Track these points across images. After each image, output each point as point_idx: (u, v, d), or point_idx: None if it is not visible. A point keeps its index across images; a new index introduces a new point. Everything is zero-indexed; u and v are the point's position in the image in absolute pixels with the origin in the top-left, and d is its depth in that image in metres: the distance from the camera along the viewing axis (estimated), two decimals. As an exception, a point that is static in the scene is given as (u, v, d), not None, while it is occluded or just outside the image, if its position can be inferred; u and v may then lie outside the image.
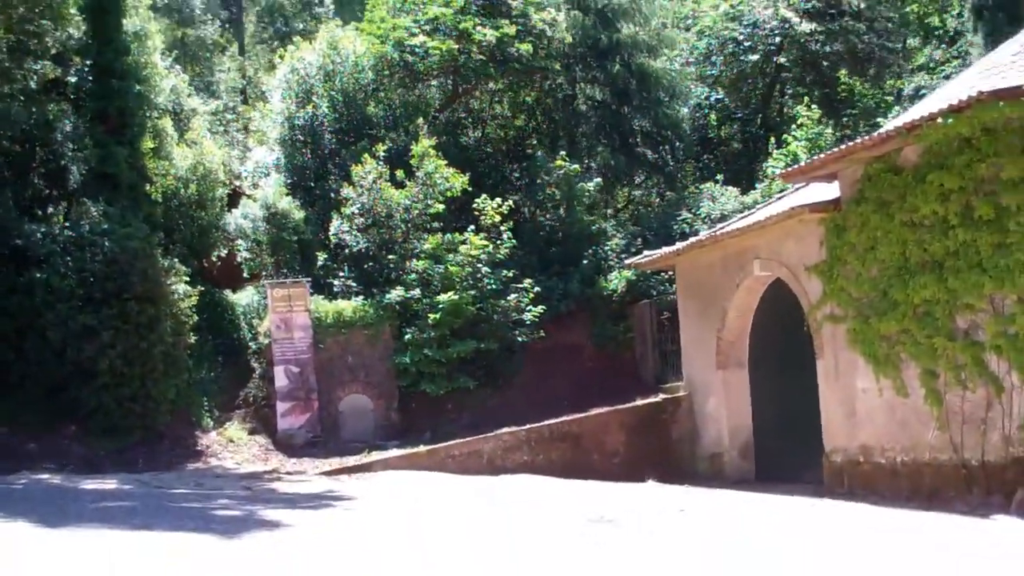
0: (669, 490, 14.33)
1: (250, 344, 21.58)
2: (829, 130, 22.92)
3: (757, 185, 23.29)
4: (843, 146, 13.55)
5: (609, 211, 26.68)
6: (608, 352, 21.50)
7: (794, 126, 23.55)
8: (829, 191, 14.66)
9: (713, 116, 28.02)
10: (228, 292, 22.91)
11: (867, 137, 13.18)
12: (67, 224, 18.26)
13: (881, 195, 12.95)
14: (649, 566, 8.00)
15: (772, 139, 24.79)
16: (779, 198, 17.93)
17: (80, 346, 17.13)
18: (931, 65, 27.80)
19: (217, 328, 21.53)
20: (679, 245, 18.13)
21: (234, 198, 23.77)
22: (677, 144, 26.26)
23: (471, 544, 8.94)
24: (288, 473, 16.58)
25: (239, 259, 22.74)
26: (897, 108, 24.29)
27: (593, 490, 13.74)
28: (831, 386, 14.14)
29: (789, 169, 15.17)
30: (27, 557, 7.71)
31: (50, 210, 20.24)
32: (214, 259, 23.25)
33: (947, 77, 26.30)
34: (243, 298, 22.79)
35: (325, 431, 19.89)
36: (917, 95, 25.94)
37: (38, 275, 17.33)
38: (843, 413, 13.87)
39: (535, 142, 26.49)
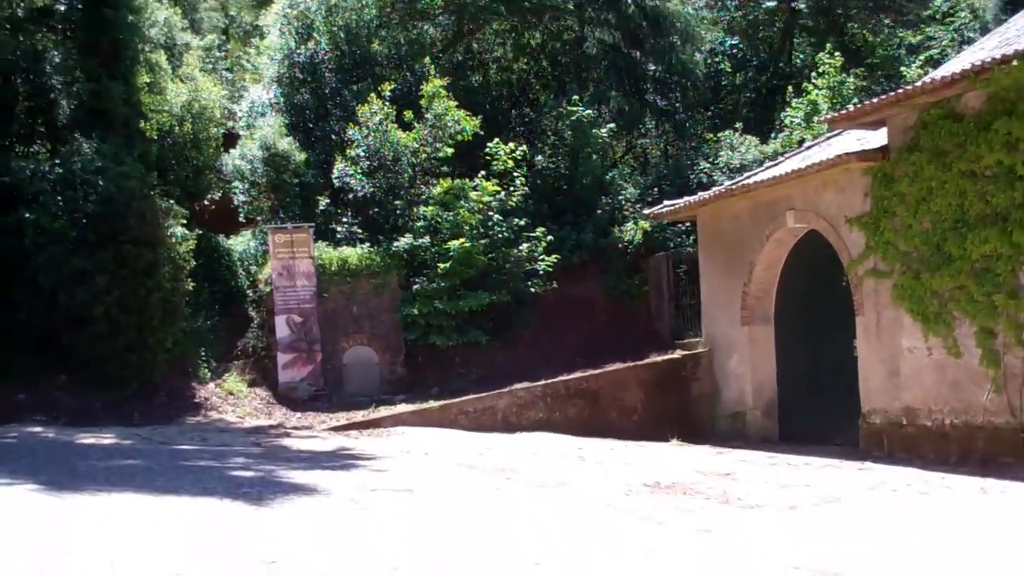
0: (701, 450, 13.70)
1: (248, 292, 20.68)
2: (851, 79, 22.05)
3: (774, 135, 22.47)
4: (899, 90, 12.78)
5: (612, 160, 25.77)
6: (622, 306, 20.73)
7: (814, 74, 22.69)
8: (870, 139, 13.92)
9: (727, 63, 27.09)
10: (222, 237, 21.90)
11: (927, 80, 12.43)
12: (57, 161, 17.09)
13: (938, 143, 12.32)
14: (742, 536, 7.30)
15: (789, 88, 23.91)
16: (809, 147, 17.15)
17: (73, 292, 16.08)
18: (937, 16, 26.85)
19: (213, 275, 20.47)
20: (702, 195, 17.35)
21: (229, 140, 22.68)
22: (690, 92, 25.37)
23: (543, 512, 8.20)
24: (294, 428, 15.82)
25: (235, 202, 21.64)
26: (920, 59, 23.46)
27: (625, 450, 13.06)
28: (872, 344, 13.53)
29: (835, 115, 14.36)
30: (52, 528, 6.86)
31: (34, 148, 19.06)
32: (207, 202, 22.21)
33: (956, 30, 25.58)
34: (239, 244, 21.81)
35: (328, 384, 19.06)
36: (922, 46, 25.25)
37: (27, 215, 16.20)
38: (884, 373, 13.28)
39: (540, 87, 25.51)
